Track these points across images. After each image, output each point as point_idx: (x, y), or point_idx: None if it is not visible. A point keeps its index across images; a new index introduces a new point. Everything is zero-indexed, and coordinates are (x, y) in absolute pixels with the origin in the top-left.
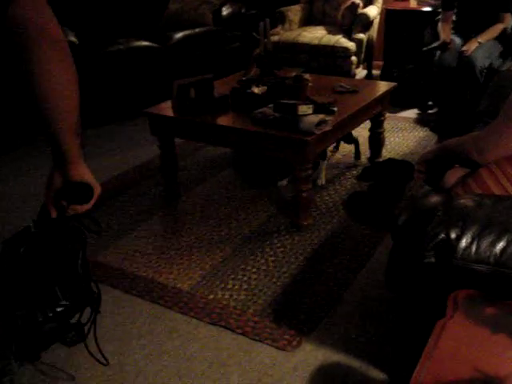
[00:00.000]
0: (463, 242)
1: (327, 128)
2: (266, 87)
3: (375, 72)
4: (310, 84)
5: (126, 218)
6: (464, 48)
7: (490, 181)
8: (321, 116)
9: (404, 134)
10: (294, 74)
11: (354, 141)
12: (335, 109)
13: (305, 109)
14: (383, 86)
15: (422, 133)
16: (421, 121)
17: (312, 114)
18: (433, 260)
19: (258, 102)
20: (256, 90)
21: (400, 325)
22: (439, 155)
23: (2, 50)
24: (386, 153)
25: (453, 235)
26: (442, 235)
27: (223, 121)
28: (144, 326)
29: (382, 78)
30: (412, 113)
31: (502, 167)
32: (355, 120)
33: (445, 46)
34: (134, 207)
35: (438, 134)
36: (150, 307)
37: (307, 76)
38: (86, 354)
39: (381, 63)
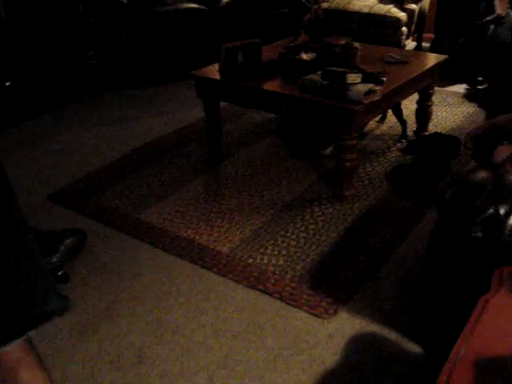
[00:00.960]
0: None
1: (375, 98)
2: (314, 54)
3: (425, 44)
4: (359, 53)
5: (168, 179)
6: None
7: None
8: (369, 85)
9: (452, 109)
10: (343, 42)
11: (402, 121)
12: (384, 79)
13: (354, 77)
14: (434, 59)
15: (470, 108)
16: (469, 96)
17: (361, 83)
18: (480, 235)
19: (306, 69)
20: (305, 56)
21: (439, 299)
22: (488, 132)
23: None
24: (433, 127)
25: (502, 211)
26: (491, 210)
27: (270, 86)
28: (183, 285)
29: (432, 50)
30: (461, 88)
31: None
32: (404, 91)
33: (499, 20)
34: (178, 168)
35: (487, 110)
36: (189, 267)
37: (357, 44)
38: (126, 309)
39: (431, 36)
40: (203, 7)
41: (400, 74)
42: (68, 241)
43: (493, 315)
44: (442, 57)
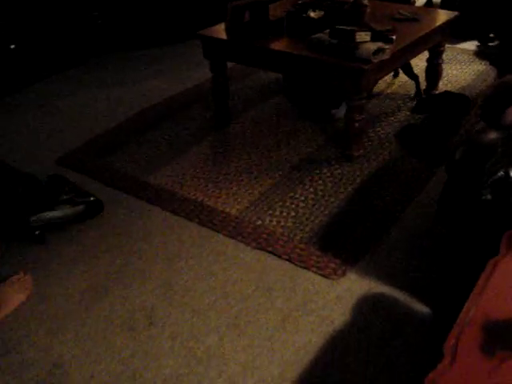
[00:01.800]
0: None
1: (385, 57)
2: (322, 12)
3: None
4: (368, 10)
5: (176, 141)
6: None
7: None
8: (379, 44)
9: (462, 67)
10: None
11: (414, 76)
12: (394, 37)
13: (363, 36)
14: (444, 15)
15: (481, 66)
16: (480, 53)
17: (370, 41)
18: (489, 197)
19: (314, 27)
20: (312, 14)
21: (447, 260)
22: (500, 91)
23: None
24: (443, 85)
25: None
26: (501, 173)
27: (278, 45)
28: (192, 247)
29: (443, 5)
30: (471, 44)
31: None
32: (414, 49)
33: None
34: (185, 130)
35: (498, 68)
36: (199, 229)
37: (366, 1)
38: (136, 271)
39: None
40: None
41: (410, 31)
42: (68, 209)
43: (501, 278)
44: (453, 13)
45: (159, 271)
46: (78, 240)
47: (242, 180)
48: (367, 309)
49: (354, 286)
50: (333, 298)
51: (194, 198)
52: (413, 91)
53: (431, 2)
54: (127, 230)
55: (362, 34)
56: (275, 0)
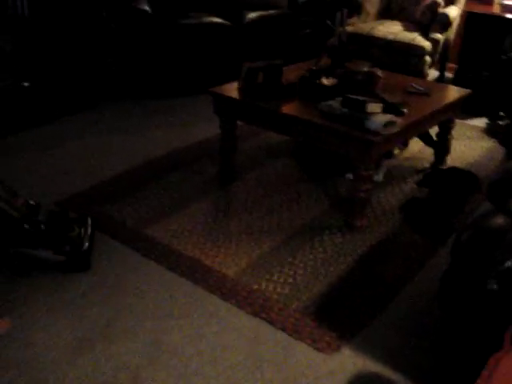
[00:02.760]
0: None
1: (394, 130)
2: (335, 79)
3: (447, 74)
4: (381, 81)
5: (178, 195)
6: None
7: None
8: (389, 116)
9: (471, 143)
10: (364, 67)
11: (432, 143)
12: (405, 110)
13: (374, 107)
14: (457, 92)
15: (489, 144)
16: (489, 131)
17: (381, 113)
18: (495, 287)
19: (326, 94)
20: (325, 81)
21: (446, 343)
22: (506, 176)
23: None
24: (450, 160)
25: None
26: (509, 263)
27: (289, 109)
28: (184, 306)
29: (455, 81)
30: (481, 121)
31: None
32: (424, 124)
33: None
34: (188, 185)
35: (507, 148)
36: (193, 288)
37: (379, 72)
38: (125, 327)
39: (454, 66)
40: (227, 22)
41: (421, 106)
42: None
43: (504, 376)
44: (465, 91)
45: (148, 329)
46: (67, 287)
47: (242, 241)
48: None
49: (348, 362)
50: (325, 373)
51: (190, 254)
52: (420, 165)
53: (443, 77)
54: (119, 282)
55: (374, 105)
56: (290, 62)
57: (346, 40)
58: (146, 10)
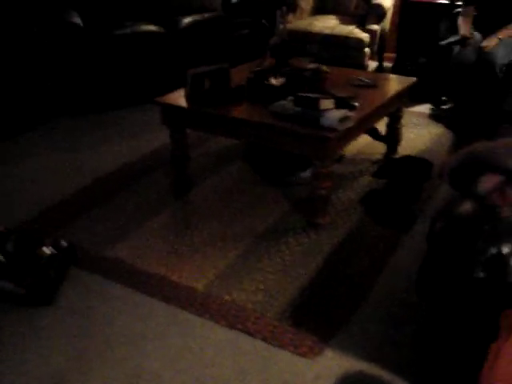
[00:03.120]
0: None
1: (350, 124)
2: (283, 78)
3: (386, 64)
4: (328, 76)
5: (134, 211)
6: (484, 44)
7: None
8: (343, 111)
9: (419, 130)
10: (309, 64)
11: (383, 138)
12: (356, 104)
13: (327, 103)
14: (404, 81)
15: (437, 129)
16: (435, 116)
17: (334, 108)
18: (482, 275)
19: (276, 94)
20: (274, 81)
21: (428, 333)
22: (465, 161)
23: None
24: (401, 149)
25: (505, 250)
26: (494, 250)
27: (240, 113)
28: (158, 327)
29: (394, 70)
30: (425, 108)
31: None
32: (376, 116)
33: (464, 41)
34: (143, 199)
35: (454, 131)
36: (164, 307)
37: (325, 68)
38: (98, 357)
39: (392, 55)
40: (162, 30)
41: (371, 98)
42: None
43: (508, 364)
44: (411, 79)
45: (124, 355)
46: (32, 319)
47: (206, 252)
48: None
49: (333, 364)
50: (311, 378)
51: (156, 272)
52: (373, 156)
53: (382, 66)
54: (86, 309)
55: (326, 101)
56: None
57: (288, 38)
58: (77, 24)
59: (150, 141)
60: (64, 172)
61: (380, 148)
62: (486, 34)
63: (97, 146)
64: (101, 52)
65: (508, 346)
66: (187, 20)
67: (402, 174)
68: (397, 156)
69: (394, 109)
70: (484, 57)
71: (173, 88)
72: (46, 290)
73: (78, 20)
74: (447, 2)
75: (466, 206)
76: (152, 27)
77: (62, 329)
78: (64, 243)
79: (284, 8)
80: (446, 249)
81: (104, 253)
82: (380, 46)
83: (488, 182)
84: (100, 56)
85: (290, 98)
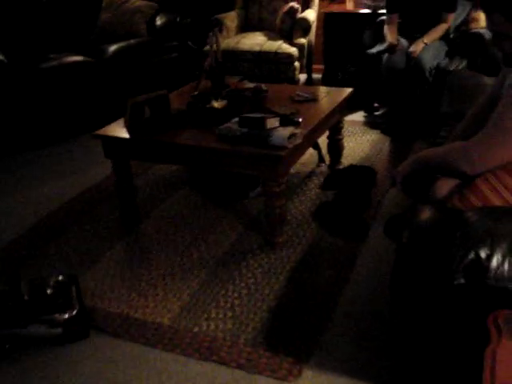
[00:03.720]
0: (494, 261)
1: (298, 141)
2: (225, 101)
3: (315, 76)
4: (267, 94)
5: (84, 250)
6: (411, 49)
7: (489, 192)
8: (290, 129)
9: (356, 138)
10: (247, 84)
11: (316, 146)
12: (300, 119)
13: (272, 122)
14: (342, 93)
15: (373, 135)
16: (370, 123)
17: (280, 126)
18: (463, 281)
19: (219, 117)
20: (216, 104)
21: (404, 339)
22: (417, 167)
23: None
24: (342, 158)
25: (483, 254)
26: (472, 255)
27: (185, 139)
28: (128, 370)
29: (324, 81)
30: (359, 115)
31: (501, 178)
32: (320, 129)
33: (393, 49)
34: (92, 237)
35: (391, 136)
36: (131, 348)
37: (264, 86)
38: None
39: (320, 67)
40: (89, 59)
41: (313, 112)
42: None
43: (507, 368)
44: (348, 90)
45: None
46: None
47: (167, 284)
48: None
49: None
50: None
51: (118, 311)
52: (315, 167)
53: (311, 78)
54: (46, 365)
55: (272, 120)
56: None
57: (222, 59)
58: (1, 60)
59: (89, 175)
60: (5, 213)
61: (325, 158)
62: (412, 39)
63: (34, 185)
64: (29, 87)
65: (502, 348)
66: (113, 48)
67: (349, 183)
68: (341, 166)
69: (335, 121)
70: (413, 62)
71: (107, 118)
72: (82, 324)
73: (0, 57)
74: (370, 11)
75: (428, 213)
76: (79, 57)
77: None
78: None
79: (216, 29)
80: (418, 259)
81: None
82: (308, 58)
83: (444, 187)
84: (29, 91)
85: (235, 119)
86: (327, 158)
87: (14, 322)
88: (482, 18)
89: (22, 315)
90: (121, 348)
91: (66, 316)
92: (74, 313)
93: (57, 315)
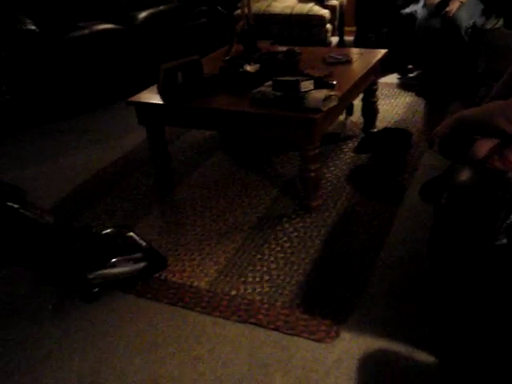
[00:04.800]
0: None
1: (333, 103)
2: (258, 64)
3: (347, 38)
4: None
5: (122, 216)
6: (447, 9)
7: None
8: (324, 91)
9: (391, 101)
10: (280, 47)
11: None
12: (334, 82)
13: (307, 85)
14: (375, 55)
15: (408, 98)
16: (404, 85)
17: (314, 89)
18: (505, 241)
19: (253, 81)
20: (248, 68)
21: (442, 302)
22: (456, 128)
23: None
24: (377, 121)
25: None
26: None
27: (220, 104)
28: (168, 332)
29: (357, 44)
30: (393, 78)
31: None
32: (354, 92)
33: (438, 12)
34: (129, 202)
35: (425, 98)
36: (171, 311)
37: (297, 49)
38: (112, 372)
39: (352, 29)
40: (119, 26)
41: (347, 74)
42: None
43: None
44: (382, 51)
45: (138, 365)
46: (40, 342)
47: (203, 248)
48: (371, 368)
49: (351, 345)
50: (333, 362)
51: (156, 275)
52: (348, 131)
53: (343, 41)
54: (92, 323)
55: (306, 82)
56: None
57: (254, 23)
58: (32, 30)
59: (124, 142)
60: (40, 184)
61: (357, 123)
62: None
63: (71, 153)
64: (61, 56)
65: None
66: (143, 14)
67: (384, 146)
68: (375, 129)
69: (369, 83)
70: (448, 21)
71: (139, 85)
72: (158, 254)
73: (32, 26)
74: None
75: (468, 174)
76: (109, 25)
77: (71, 347)
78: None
79: None
80: (459, 219)
81: None
82: (340, 20)
83: (483, 147)
84: (60, 60)
85: (268, 83)
86: (360, 123)
87: (102, 264)
88: None
89: (108, 256)
90: (159, 311)
91: (145, 251)
92: (149, 247)
93: (137, 253)
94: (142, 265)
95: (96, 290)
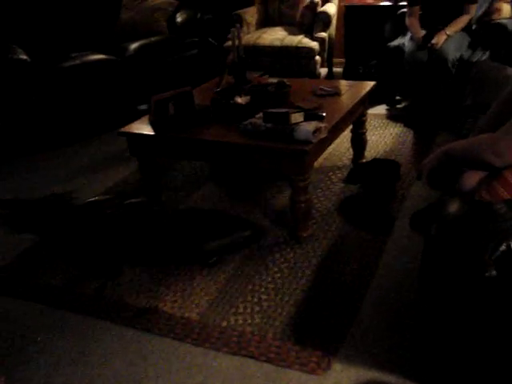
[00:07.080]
0: None
1: (323, 135)
2: (248, 96)
3: (336, 69)
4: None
5: None
6: (433, 41)
7: None
8: (314, 123)
9: (379, 132)
10: (270, 79)
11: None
12: (324, 114)
13: (297, 117)
14: (364, 86)
15: (396, 129)
16: (392, 116)
17: (304, 121)
18: (494, 273)
19: (243, 113)
20: (239, 99)
21: (432, 332)
22: (443, 161)
23: None
24: (366, 152)
25: None
26: (503, 247)
27: (212, 135)
28: (159, 363)
29: (345, 75)
30: (381, 109)
31: None
32: (344, 123)
33: (424, 44)
34: None
35: (413, 129)
36: (161, 341)
37: (286, 81)
38: None
39: (341, 60)
40: (111, 57)
41: (337, 106)
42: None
43: None
44: (371, 83)
45: None
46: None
47: (194, 278)
48: None
49: (343, 377)
50: None
51: (147, 306)
52: (340, 162)
53: (332, 72)
54: (81, 353)
55: (296, 114)
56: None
57: (244, 54)
58: (24, 59)
59: (113, 172)
60: None
61: (346, 153)
62: (433, 31)
63: (61, 181)
64: (52, 86)
65: None
66: (134, 45)
67: (373, 177)
68: (364, 160)
69: (358, 114)
70: (436, 54)
71: (129, 117)
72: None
73: (24, 56)
74: (390, 4)
75: (457, 206)
76: (101, 56)
77: (59, 378)
78: None
79: (238, 25)
80: (448, 251)
81: (88, 290)
82: (329, 52)
83: (471, 179)
84: (52, 90)
85: (259, 115)
86: (349, 154)
87: (222, 233)
88: (504, 8)
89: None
90: (151, 342)
91: (246, 222)
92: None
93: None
94: (248, 233)
95: (214, 259)
